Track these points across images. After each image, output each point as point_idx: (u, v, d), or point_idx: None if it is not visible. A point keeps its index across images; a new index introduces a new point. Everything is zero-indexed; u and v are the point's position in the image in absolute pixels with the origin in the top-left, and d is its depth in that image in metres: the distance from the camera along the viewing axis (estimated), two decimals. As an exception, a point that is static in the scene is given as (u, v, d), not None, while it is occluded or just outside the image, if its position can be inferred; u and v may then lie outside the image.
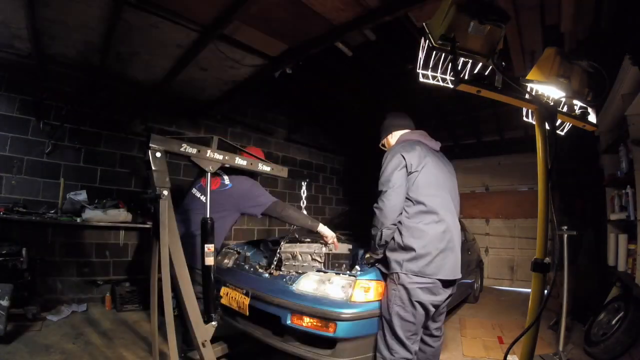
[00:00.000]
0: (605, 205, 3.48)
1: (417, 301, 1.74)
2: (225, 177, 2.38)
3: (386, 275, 1.91)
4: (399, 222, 1.81)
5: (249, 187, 2.37)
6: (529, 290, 1.36)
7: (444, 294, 1.84)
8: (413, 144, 1.95)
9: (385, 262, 1.91)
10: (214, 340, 1.86)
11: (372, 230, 1.88)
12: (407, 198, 1.82)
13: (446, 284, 1.82)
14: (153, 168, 1.68)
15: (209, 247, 1.82)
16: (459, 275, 1.88)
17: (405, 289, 1.75)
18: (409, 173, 1.82)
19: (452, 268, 1.83)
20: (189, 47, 3.13)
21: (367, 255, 2.10)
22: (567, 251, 2.71)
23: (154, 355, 1.89)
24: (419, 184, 1.82)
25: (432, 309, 1.82)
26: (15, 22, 2.78)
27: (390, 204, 1.78)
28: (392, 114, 2.22)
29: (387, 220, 1.79)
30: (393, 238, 1.83)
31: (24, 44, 3.14)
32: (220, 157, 1.94)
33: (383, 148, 2.20)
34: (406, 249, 1.77)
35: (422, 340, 1.93)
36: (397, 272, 1.78)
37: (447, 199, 1.92)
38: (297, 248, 2.36)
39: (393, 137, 2.12)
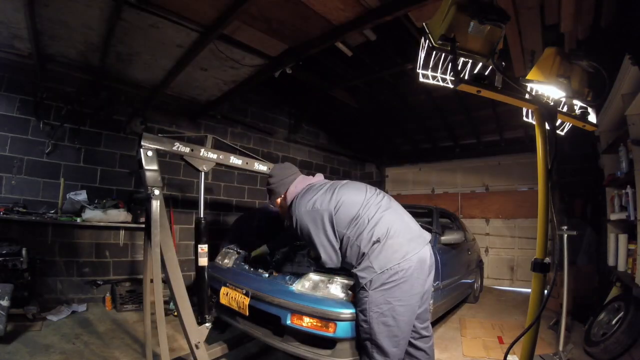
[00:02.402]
0: (605, 205, 3.47)
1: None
2: None
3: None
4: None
5: None
6: (529, 290, 1.36)
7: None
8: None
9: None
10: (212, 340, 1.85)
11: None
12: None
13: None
14: (145, 167, 1.65)
15: (202, 248, 1.79)
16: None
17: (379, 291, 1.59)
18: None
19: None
20: (189, 47, 3.13)
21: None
22: (567, 251, 2.71)
23: (148, 357, 1.88)
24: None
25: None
26: (15, 22, 2.78)
27: None
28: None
29: None
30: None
31: (24, 44, 3.15)
32: (214, 156, 1.91)
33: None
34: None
35: (411, 345, 1.79)
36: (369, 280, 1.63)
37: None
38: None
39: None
